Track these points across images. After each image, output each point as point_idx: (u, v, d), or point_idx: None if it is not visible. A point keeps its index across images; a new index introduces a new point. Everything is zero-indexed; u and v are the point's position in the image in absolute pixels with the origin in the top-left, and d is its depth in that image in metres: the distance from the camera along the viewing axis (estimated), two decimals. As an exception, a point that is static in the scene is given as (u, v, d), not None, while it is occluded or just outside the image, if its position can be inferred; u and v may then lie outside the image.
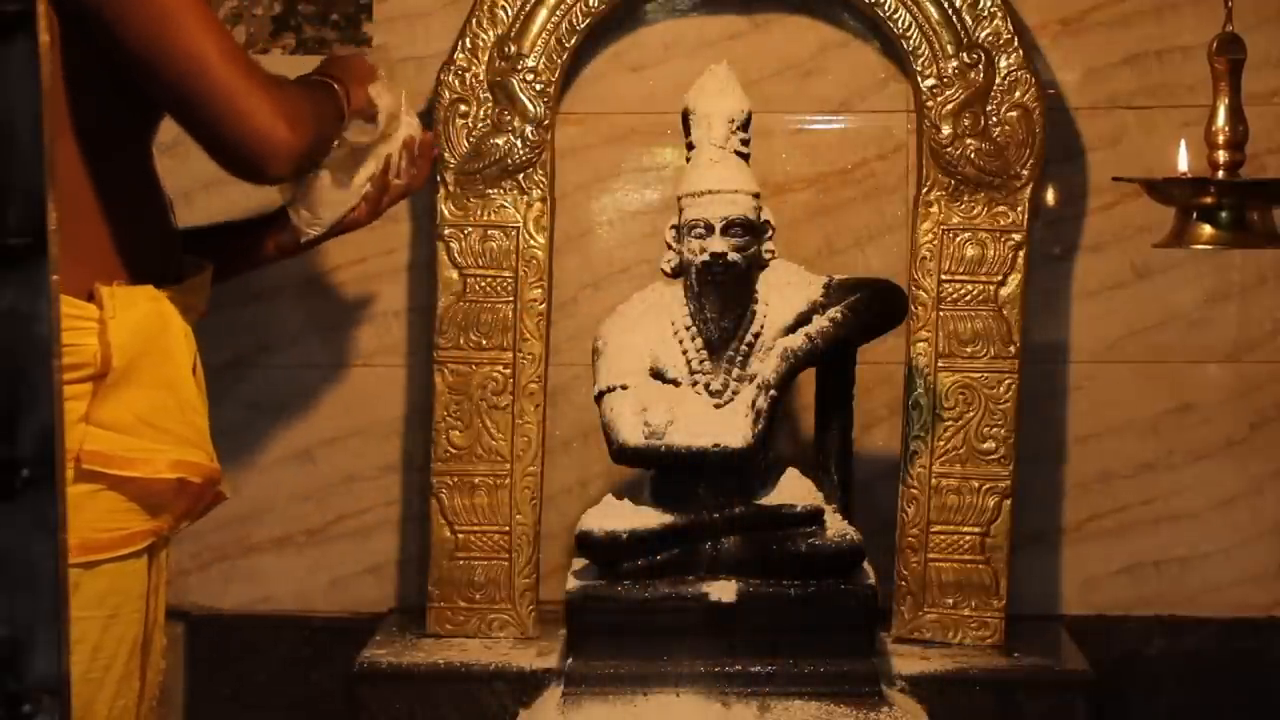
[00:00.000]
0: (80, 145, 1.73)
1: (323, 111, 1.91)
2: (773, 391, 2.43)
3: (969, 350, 2.68)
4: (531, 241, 2.70)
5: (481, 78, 2.68)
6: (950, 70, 2.66)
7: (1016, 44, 2.65)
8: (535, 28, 2.68)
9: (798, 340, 2.45)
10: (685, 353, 2.51)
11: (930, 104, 2.66)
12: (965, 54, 2.66)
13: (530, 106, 2.67)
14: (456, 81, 2.68)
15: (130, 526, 1.74)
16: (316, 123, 1.84)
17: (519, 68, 2.67)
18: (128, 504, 1.73)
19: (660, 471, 2.49)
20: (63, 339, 1.65)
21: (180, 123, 1.77)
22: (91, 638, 1.71)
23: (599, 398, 2.51)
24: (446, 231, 2.70)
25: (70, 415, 1.68)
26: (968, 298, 2.68)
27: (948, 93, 2.66)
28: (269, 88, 1.75)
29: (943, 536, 2.70)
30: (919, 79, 2.67)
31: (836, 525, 2.48)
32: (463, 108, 2.68)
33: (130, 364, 1.71)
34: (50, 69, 1.66)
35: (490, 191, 2.70)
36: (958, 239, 2.68)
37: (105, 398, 1.70)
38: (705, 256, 2.45)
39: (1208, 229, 2.06)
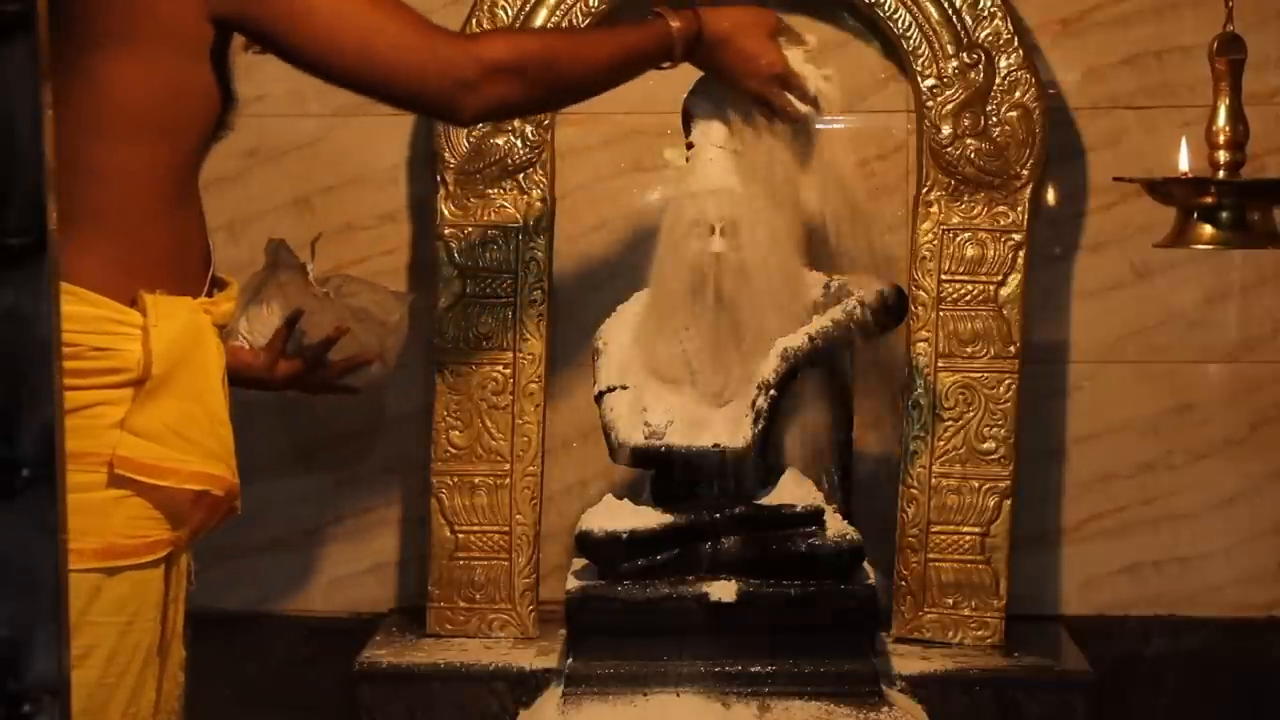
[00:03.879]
0: (146, 152, 1.74)
1: (555, 57, 2.04)
2: (772, 391, 2.43)
3: (969, 350, 2.68)
4: (531, 241, 2.70)
5: (481, 78, 2.68)
6: (950, 70, 2.66)
7: (1016, 44, 2.65)
8: (535, 27, 2.67)
9: (798, 340, 2.45)
10: (685, 353, 2.51)
11: (930, 104, 2.66)
12: (965, 54, 2.66)
13: (530, 106, 2.67)
14: (456, 81, 2.68)
15: (152, 534, 1.75)
16: (530, 69, 1.98)
17: (519, 68, 2.67)
18: (152, 512, 1.74)
19: (660, 471, 2.49)
20: (104, 343, 1.69)
21: (375, 99, 1.98)
22: (108, 643, 1.72)
23: (599, 398, 2.51)
24: (446, 231, 2.70)
25: (105, 419, 1.70)
26: (968, 298, 2.68)
27: (948, 93, 2.66)
28: (443, 45, 1.91)
29: (943, 536, 2.70)
30: (919, 79, 2.67)
31: (836, 525, 2.48)
32: (463, 107, 2.67)
33: (167, 373, 1.72)
34: (140, 75, 1.71)
35: (490, 191, 2.70)
36: (958, 239, 2.68)
37: (141, 405, 1.71)
38: (705, 257, 2.45)
39: (1208, 229, 2.07)
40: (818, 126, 2.35)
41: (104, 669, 1.72)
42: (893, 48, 2.73)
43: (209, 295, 1.84)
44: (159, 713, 1.83)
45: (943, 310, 2.68)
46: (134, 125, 1.73)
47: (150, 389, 1.71)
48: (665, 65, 2.22)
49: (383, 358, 2.38)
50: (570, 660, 2.48)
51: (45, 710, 0.97)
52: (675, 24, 2.17)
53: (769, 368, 2.44)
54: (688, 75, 2.58)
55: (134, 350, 1.71)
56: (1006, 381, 2.68)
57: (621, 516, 2.46)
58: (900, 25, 2.67)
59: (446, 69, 1.90)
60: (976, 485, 2.69)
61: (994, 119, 2.66)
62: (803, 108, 2.31)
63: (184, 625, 1.88)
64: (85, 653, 1.67)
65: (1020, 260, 2.67)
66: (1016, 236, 2.67)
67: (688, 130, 2.52)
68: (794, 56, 2.31)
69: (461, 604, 2.73)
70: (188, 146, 1.79)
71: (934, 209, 2.68)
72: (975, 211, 2.68)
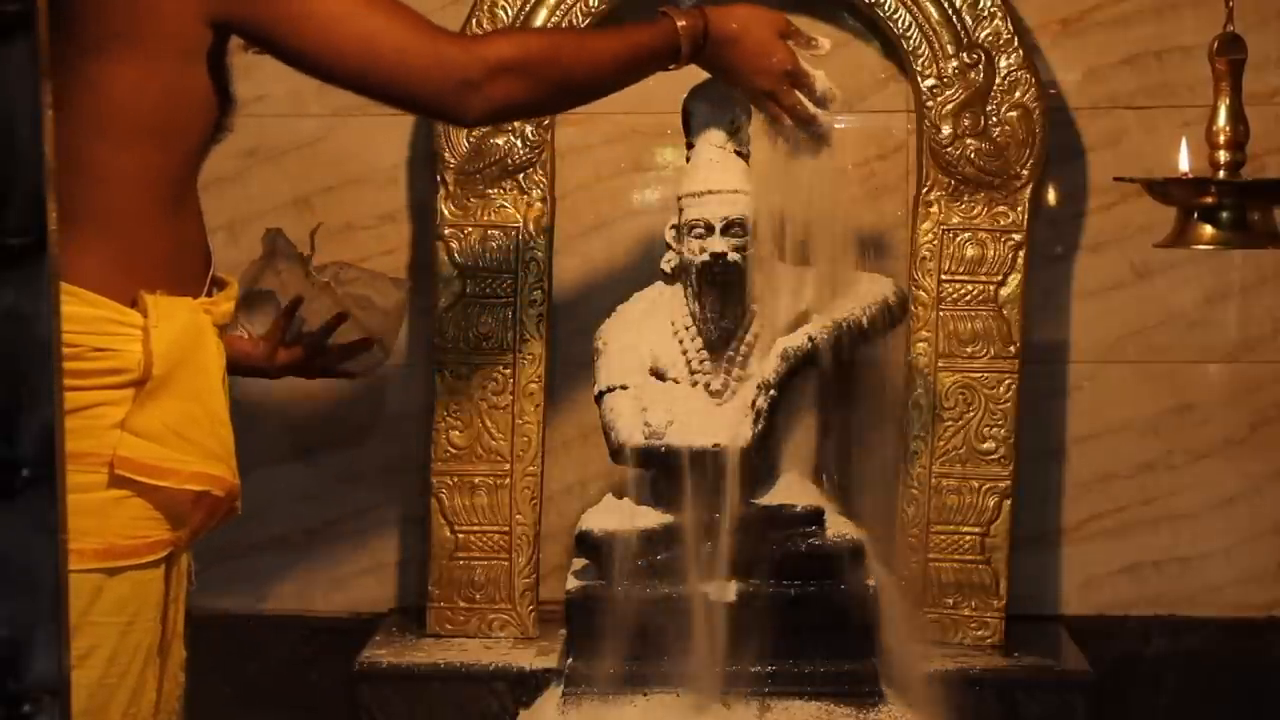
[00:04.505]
0: (144, 154, 1.75)
1: (559, 57, 2.03)
2: (772, 391, 2.43)
3: (969, 350, 2.68)
4: (531, 241, 2.70)
5: (481, 78, 2.67)
6: (950, 70, 2.66)
7: (1016, 44, 2.65)
8: (540, 27, 2.67)
9: (798, 340, 2.45)
10: (685, 353, 2.51)
11: (930, 104, 2.66)
12: (965, 54, 2.66)
13: (530, 106, 2.67)
14: (456, 81, 2.68)
15: (152, 535, 1.75)
16: (536, 69, 1.98)
17: (519, 68, 2.66)
18: (152, 512, 1.74)
19: (660, 471, 2.49)
20: (105, 344, 1.70)
21: (379, 102, 1.97)
22: (109, 644, 1.72)
23: (599, 398, 2.50)
24: (446, 231, 2.70)
25: (106, 420, 1.70)
26: (968, 298, 2.68)
27: (948, 93, 2.66)
28: (447, 45, 1.90)
29: (943, 536, 2.70)
30: (919, 79, 2.67)
31: (836, 525, 2.48)
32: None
33: (168, 374, 1.73)
34: (138, 79, 1.71)
35: (490, 191, 2.70)
36: (958, 239, 2.68)
37: (141, 405, 1.71)
38: (705, 256, 2.45)
39: (1208, 229, 2.07)
40: (828, 126, 2.34)
41: (105, 669, 1.72)
42: (893, 48, 2.73)
43: (209, 295, 1.85)
44: (159, 713, 1.83)
45: (943, 310, 2.68)
46: (132, 128, 1.73)
47: (150, 389, 1.72)
48: (672, 66, 2.21)
49: (382, 343, 2.39)
50: (570, 660, 2.48)
51: (45, 710, 0.97)
52: (682, 23, 2.16)
53: (769, 368, 2.44)
54: (688, 75, 2.58)
55: (134, 351, 1.71)
56: (1006, 381, 2.68)
57: (621, 516, 2.46)
58: (900, 25, 2.67)
59: (451, 70, 1.89)
60: (976, 485, 2.69)
61: (994, 119, 2.66)
62: (813, 107, 2.30)
63: (184, 625, 1.88)
64: (86, 653, 1.67)
65: (1020, 260, 2.67)
66: (1016, 236, 2.67)
67: (688, 130, 2.52)
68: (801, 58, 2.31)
69: (461, 604, 2.73)
70: (186, 149, 1.79)
71: (934, 209, 2.68)
72: (975, 211, 2.68)
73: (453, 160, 2.68)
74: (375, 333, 2.38)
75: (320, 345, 2.32)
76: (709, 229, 2.44)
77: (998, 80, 2.65)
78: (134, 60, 1.72)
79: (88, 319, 1.68)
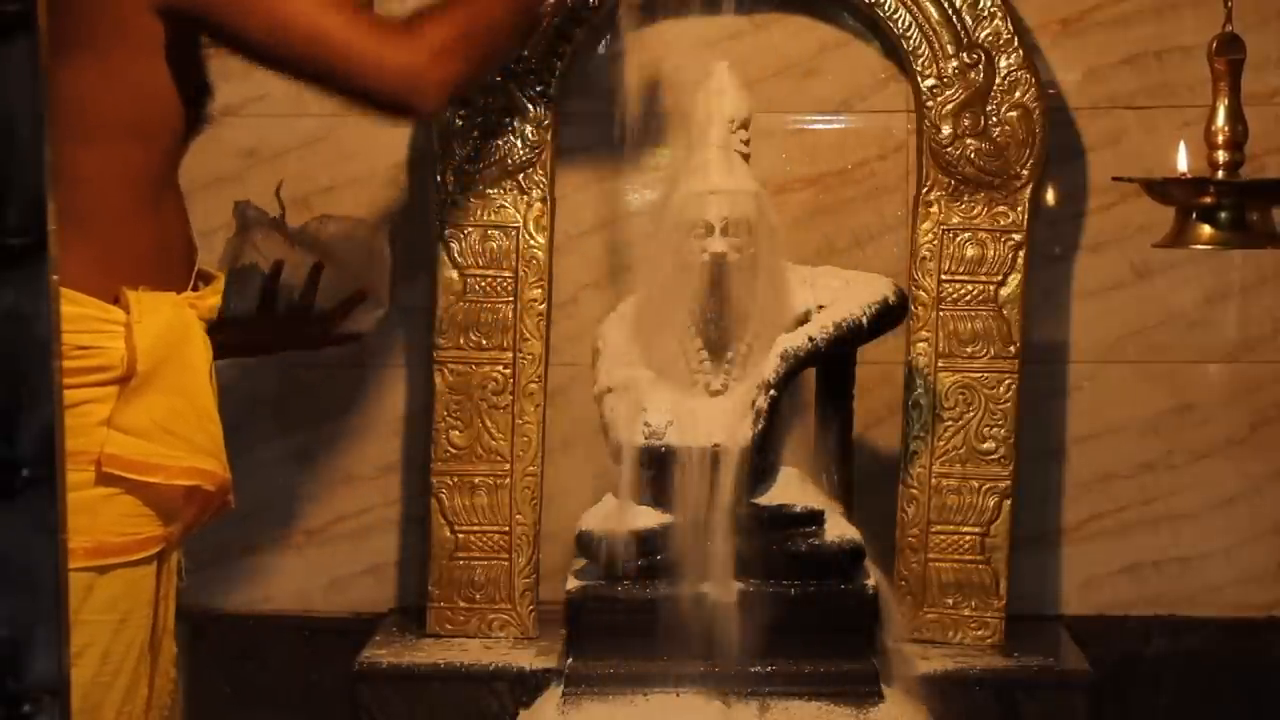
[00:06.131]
0: (116, 153, 1.74)
1: (475, 26, 1.96)
2: (773, 391, 2.43)
3: (969, 350, 2.68)
4: (531, 241, 2.70)
5: (481, 78, 2.68)
6: (950, 70, 2.66)
7: (1016, 44, 2.65)
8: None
9: (798, 340, 2.45)
10: (685, 353, 2.51)
11: (930, 104, 2.66)
12: (965, 54, 2.66)
13: (530, 106, 2.67)
14: (456, 81, 2.68)
15: (143, 531, 1.75)
16: (465, 44, 1.91)
17: (518, 68, 2.67)
18: (143, 509, 1.74)
19: (660, 471, 2.49)
20: (89, 341, 1.70)
21: (323, 93, 1.90)
22: (102, 642, 1.72)
23: (599, 398, 2.51)
24: (446, 231, 2.70)
25: (92, 417, 1.70)
26: (968, 298, 2.68)
27: (948, 93, 2.66)
28: (392, 37, 1.85)
29: (943, 536, 2.70)
30: (919, 79, 2.67)
31: (837, 525, 2.48)
32: (462, 108, 2.67)
33: (153, 369, 1.73)
34: (98, 78, 1.70)
35: (490, 191, 2.70)
36: (958, 239, 2.68)
37: (127, 402, 1.71)
38: (705, 257, 2.45)
39: (1208, 229, 2.07)
40: None
41: (98, 667, 1.72)
42: (893, 48, 2.73)
43: (194, 290, 1.84)
44: (151, 709, 1.83)
45: (943, 310, 2.68)
46: (99, 128, 1.73)
47: (135, 386, 1.72)
48: None
49: (376, 294, 2.38)
50: (570, 660, 2.48)
51: (45, 710, 0.97)
52: None
53: (769, 368, 2.44)
54: (688, 75, 2.59)
55: (118, 348, 1.71)
56: (1006, 381, 2.68)
57: (621, 517, 2.46)
58: (900, 25, 2.67)
59: (399, 56, 1.84)
60: (976, 485, 2.69)
61: (994, 119, 2.66)
62: None
63: (174, 621, 1.88)
64: (79, 652, 1.67)
65: (1020, 260, 2.67)
66: (1016, 236, 2.67)
67: (688, 130, 2.52)
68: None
69: (461, 604, 2.73)
70: (162, 144, 1.78)
71: (934, 209, 2.68)
72: (975, 211, 2.68)
73: (453, 160, 2.68)
74: (361, 280, 2.35)
75: (311, 306, 2.30)
76: (709, 229, 2.44)
77: (998, 80, 2.66)
78: (94, 57, 1.72)
79: (71, 317, 1.67)
